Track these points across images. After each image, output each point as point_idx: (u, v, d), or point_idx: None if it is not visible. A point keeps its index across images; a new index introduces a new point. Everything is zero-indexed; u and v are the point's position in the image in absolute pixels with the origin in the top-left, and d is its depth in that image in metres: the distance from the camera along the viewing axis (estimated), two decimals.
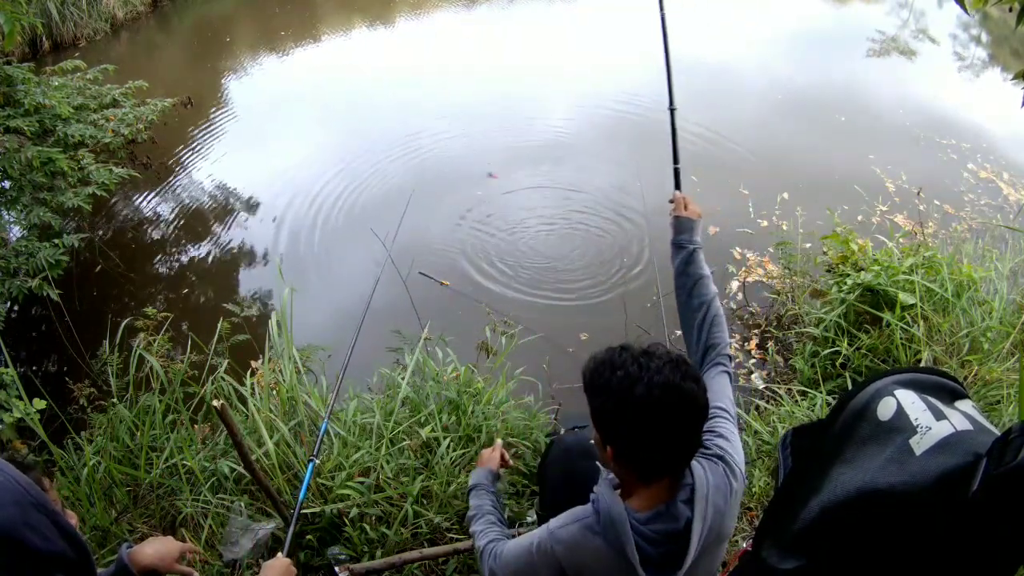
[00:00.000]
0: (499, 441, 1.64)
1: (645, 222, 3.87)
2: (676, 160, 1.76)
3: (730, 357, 1.35)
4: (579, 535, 1.13)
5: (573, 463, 1.57)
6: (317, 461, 1.79)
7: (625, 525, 1.07)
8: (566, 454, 1.60)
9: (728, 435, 1.21)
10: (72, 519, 1.07)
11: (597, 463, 1.43)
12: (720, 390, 1.27)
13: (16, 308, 3.76)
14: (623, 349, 1.09)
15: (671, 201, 1.61)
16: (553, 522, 1.18)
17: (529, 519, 1.97)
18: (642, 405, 1.03)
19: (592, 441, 1.21)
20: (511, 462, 1.64)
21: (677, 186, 1.69)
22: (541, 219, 4.57)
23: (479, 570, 1.36)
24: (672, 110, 1.79)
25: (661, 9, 1.86)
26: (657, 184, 4.82)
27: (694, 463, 1.13)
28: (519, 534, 1.76)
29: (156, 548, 1.26)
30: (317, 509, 1.89)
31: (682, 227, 1.52)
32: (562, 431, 2.41)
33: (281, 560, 1.37)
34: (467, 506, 1.48)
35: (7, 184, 3.74)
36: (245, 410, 2.23)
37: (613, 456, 1.11)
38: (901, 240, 3.44)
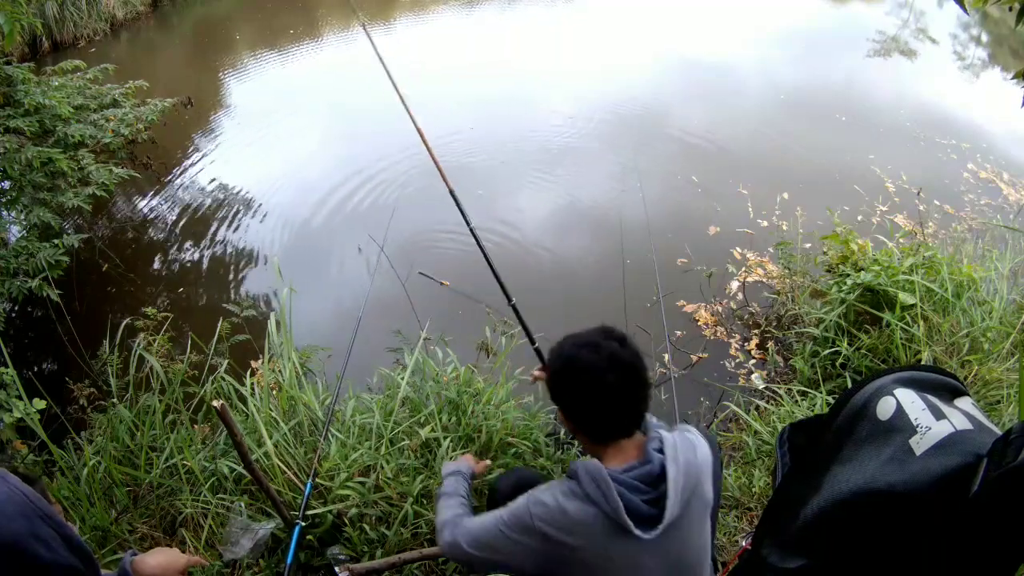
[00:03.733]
0: (487, 463, 1.72)
1: (646, 220, 3.87)
2: (533, 341, 1.85)
3: None
4: (563, 500, 1.17)
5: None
6: (302, 524, 1.80)
7: (604, 474, 1.13)
8: (511, 491, 1.51)
9: (697, 433, 1.31)
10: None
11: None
12: None
13: (16, 308, 3.76)
14: (576, 345, 1.22)
15: (538, 378, 1.68)
16: (531, 493, 1.22)
17: None
18: (580, 370, 1.19)
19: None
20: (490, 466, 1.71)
21: (543, 362, 1.74)
22: (541, 218, 4.57)
23: (438, 543, 1.40)
24: (512, 304, 1.85)
25: (468, 223, 1.92)
26: (657, 183, 4.83)
27: (653, 426, 1.24)
28: None
29: (159, 560, 1.23)
30: (319, 511, 1.89)
31: None
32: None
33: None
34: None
35: (7, 184, 3.74)
36: (245, 410, 2.23)
37: (575, 428, 1.24)
38: (901, 240, 3.44)
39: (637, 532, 1.12)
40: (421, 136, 1.93)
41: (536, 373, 1.70)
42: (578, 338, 1.23)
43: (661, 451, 1.18)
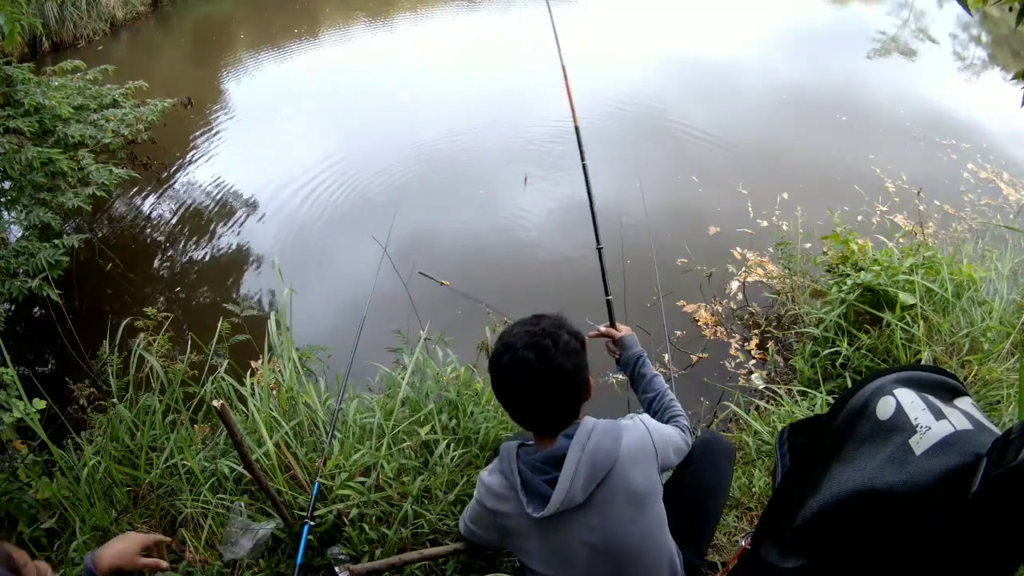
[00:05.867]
0: None
1: (646, 220, 3.87)
2: (608, 292, 1.97)
3: (688, 429, 1.54)
4: (489, 474, 1.34)
5: None
6: (311, 524, 1.81)
7: (512, 452, 1.28)
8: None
9: (646, 421, 1.37)
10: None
11: None
12: (663, 428, 1.43)
13: (16, 308, 3.76)
14: (503, 344, 1.28)
15: (604, 334, 1.80)
16: (481, 471, 1.38)
17: None
18: (494, 371, 1.27)
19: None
20: None
21: (611, 317, 1.88)
22: (541, 217, 4.57)
23: None
24: (599, 249, 2.00)
25: (583, 159, 2.10)
26: (657, 183, 4.83)
27: (588, 417, 1.30)
28: None
29: (115, 548, 1.23)
30: (321, 511, 1.89)
31: (626, 344, 1.74)
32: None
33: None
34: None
35: (7, 184, 3.74)
36: (245, 410, 2.23)
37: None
38: (901, 240, 3.44)
39: (528, 509, 1.22)
40: (564, 75, 2.22)
41: (601, 329, 1.79)
42: (510, 336, 1.27)
43: (571, 436, 1.26)
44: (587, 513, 1.21)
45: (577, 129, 2.10)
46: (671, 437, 1.42)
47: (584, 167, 2.04)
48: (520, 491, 1.23)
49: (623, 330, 1.80)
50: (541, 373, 1.21)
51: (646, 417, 1.39)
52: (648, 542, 1.26)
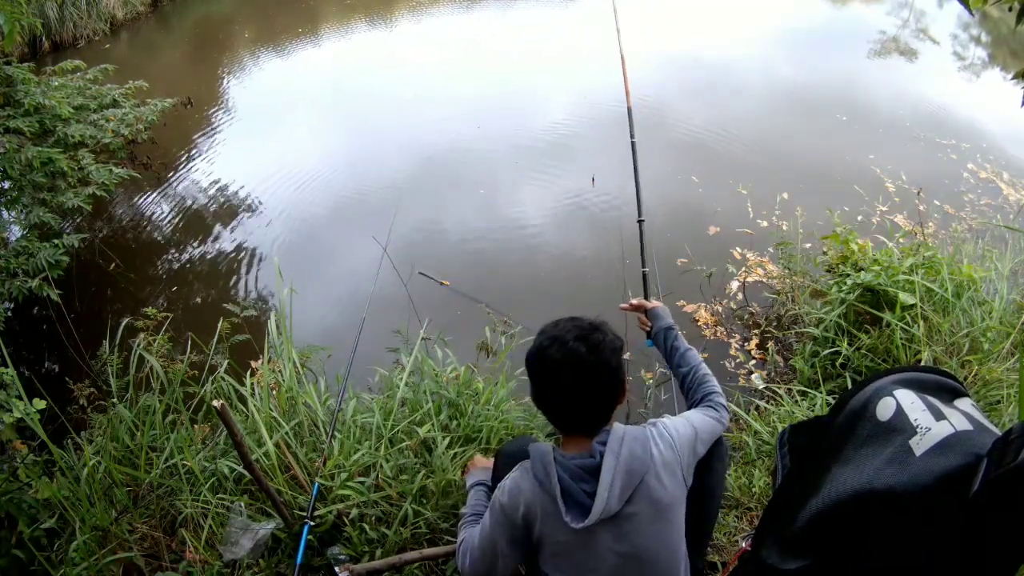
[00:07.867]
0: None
1: (646, 220, 3.86)
2: (644, 264, 1.99)
3: (722, 405, 1.50)
4: (519, 478, 1.27)
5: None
6: (311, 524, 1.81)
7: (550, 457, 1.23)
8: (508, 459, 1.58)
9: (668, 427, 1.33)
10: None
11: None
12: (694, 415, 1.42)
13: (16, 308, 3.76)
14: (549, 337, 1.26)
15: (637, 307, 1.81)
16: (499, 484, 1.32)
17: None
18: (540, 362, 1.25)
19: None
20: None
21: (645, 290, 1.91)
22: (539, 219, 4.57)
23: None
24: (640, 221, 2.02)
25: (632, 137, 2.19)
26: (657, 183, 4.83)
27: (617, 423, 1.27)
28: None
29: None
30: (321, 511, 1.89)
31: (658, 315, 1.75)
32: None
33: None
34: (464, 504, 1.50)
35: (7, 184, 3.74)
36: (245, 410, 2.23)
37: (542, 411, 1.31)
38: (901, 240, 3.44)
39: (566, 519, 1.19)
40: (623, 65, 2.40)
41: (633, 302, 1.79)
42: (556, 330, 1.26)
43: (605, 443, 1.23)
44: (619, 522, 1.21)
45: (629, 110, 2.23)
46: (700, 429, 1.40)
47: (632, 144, 2.16)
48: (559, 499, 1.20)
49: (654, 303, 1.82)
50: (590, 365, 1.21)
51: (667, 421, 1.37)
52: (668, 548, 1.26)
